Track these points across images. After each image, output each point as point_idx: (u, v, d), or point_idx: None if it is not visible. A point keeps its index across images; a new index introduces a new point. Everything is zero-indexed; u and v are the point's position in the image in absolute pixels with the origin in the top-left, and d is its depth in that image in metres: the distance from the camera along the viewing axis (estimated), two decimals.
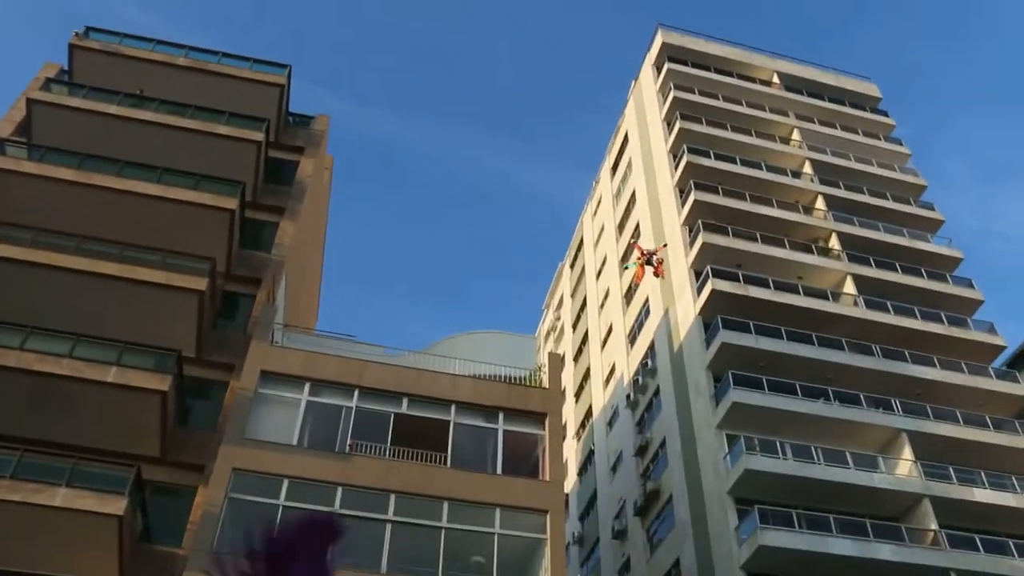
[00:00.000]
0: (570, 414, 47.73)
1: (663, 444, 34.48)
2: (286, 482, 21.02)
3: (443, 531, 21.09)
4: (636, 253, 30.19)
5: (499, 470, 22.85)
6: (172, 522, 21.16)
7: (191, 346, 23.49)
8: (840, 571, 26.77)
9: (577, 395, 48.32)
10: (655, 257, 29.65)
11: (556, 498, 22.40)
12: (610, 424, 41.30)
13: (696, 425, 31.74)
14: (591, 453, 43.25)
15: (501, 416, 23.89)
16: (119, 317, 22.49)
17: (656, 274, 30.60)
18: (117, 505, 19.04)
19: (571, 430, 47.37)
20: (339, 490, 21.13)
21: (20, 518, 18.39)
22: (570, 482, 44.11)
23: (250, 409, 22.29)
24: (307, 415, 22.83)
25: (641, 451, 36.17)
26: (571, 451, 45.70)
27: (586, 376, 47.09)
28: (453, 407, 23.67)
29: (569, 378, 48.42)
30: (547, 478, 22.95)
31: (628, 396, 38.84)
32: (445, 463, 22.56)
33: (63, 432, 20.82)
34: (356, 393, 23.27)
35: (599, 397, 43.87)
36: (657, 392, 36.15)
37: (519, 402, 24.23)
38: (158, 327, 22.67)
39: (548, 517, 21.85)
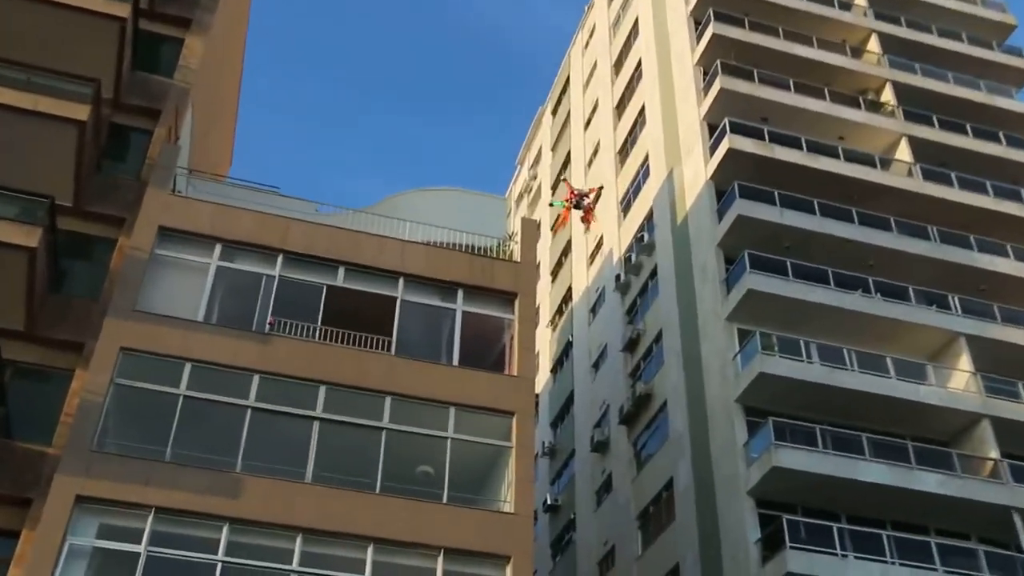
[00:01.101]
0: (544, 297, 47.85)
1: (658, 338, 34.68)
2: (188, 366, 20.81)
3: (383, 433, 21.15)
4: (565, 192, 30.17)
5: (455, 361, 22.85)
6: (40, 413, 20.87)
7: (68, 193, 22.78)
8: (872, 503, 27.28)
9: (554, 274, 48.35)
10: (587, 200, 29.62)
11: (525, 398, 22.46)
12: (593, 311, 41.45)
13: (701, 316, 31.83)
14: (568, 346, 43.56)
15: (460, 294, 23.76)
16: None
17: (584, 220, 30.70)
18: None
19: (545, 317, 47.56)
20: (255, 378, 21.01)
21: None
22: (542, 380, 44.53)
23: (144, 275, 21.90)
24: (216, 285, 22.52)
25: (631, 345, 36.40)
26: (544, 342, 46.00)
27: (566, 251, 46.97)
28: (401, 281, 23.48)
29: (545, 252, 48.31)
30: (515, 372, 23.04)
31: (618, 277, 38.83)
32: (388, 349, 22.50)
33: None
34: (279, 259, 22.95)
35: (581, 277, 43.87)
36: (654, 273, 36.12)
37: (483, 278, 24.06)
38: (25, 168, 21.89)
39: (514, 420, 21.95)
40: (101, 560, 18.88)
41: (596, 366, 39.61)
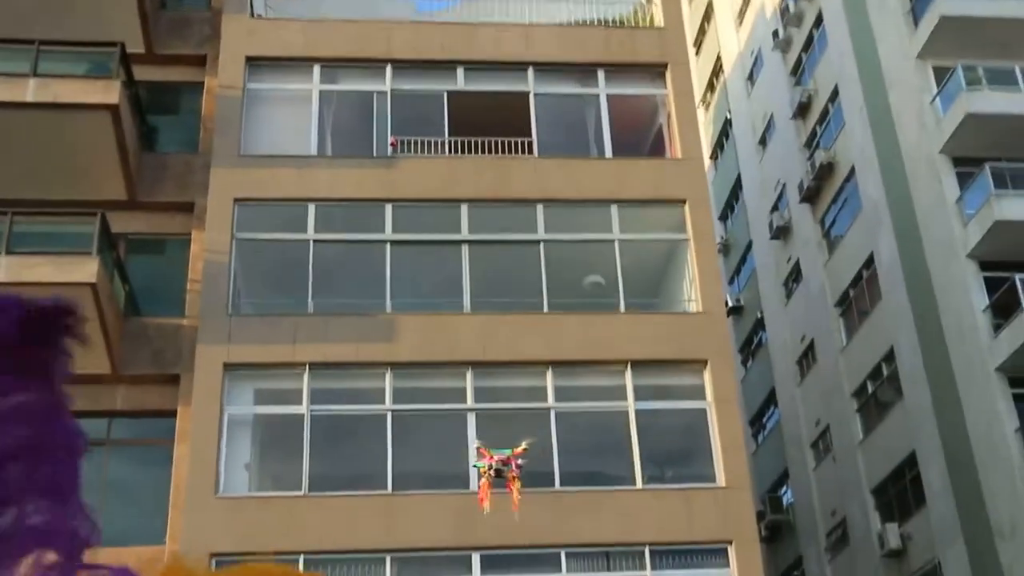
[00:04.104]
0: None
1: (834, 96, 34.09)
2: (312, 207, 21.51)
3: (540, 245, 21.62)
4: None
5: (608, 152, 23.02)
6: (165, 285, 22.00)
7: (136, 38, 23.28)
8: None
9: (697, 44, 47.54)
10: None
11: (694, 181, 22.69)
12: (751, 79, 40.86)
13: (884, 59, 31.08)
14: (727, 124, 43.22)
15: (601, 76, 23.74)
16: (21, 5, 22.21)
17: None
18: (85, 271, 19.71)
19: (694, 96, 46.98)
20: (388, 208, 21.62)
21: None
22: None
23: (241, 114, 22.48)
24: (324, 112, 23.02)
25: (802, 110, 35.91)
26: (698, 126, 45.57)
27: (707, 14, 46.08)
28: (530, 72, 23.55)
29: (684, 20, 47.36)
30: (677, 155, 23.13)
31: (775, 33, 38.02)
32: (530, 152, 22.79)
33: None
34: (388, 71, 23.17)
35: (731, 42, 43.13)
36: (819, 20, 35.26)
37: (624, 52, 23.92)
38: (83, 19, 22.34)
39: (686, 208, 22.20)
40: (267, 427, 20.17)
41: (763, 142, 39.25)
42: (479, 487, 17.74)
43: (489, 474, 17.68)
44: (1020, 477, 24.85)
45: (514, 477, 17.48)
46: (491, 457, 17.83)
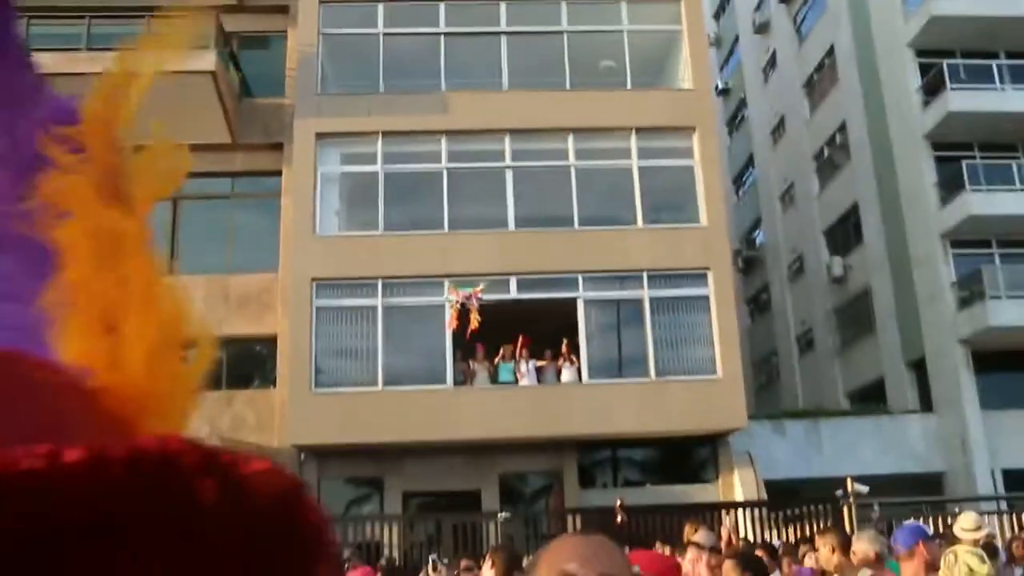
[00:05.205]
0: None
1: None
2: (380, 7, 20.50)
3: (565, 36, 20.66)
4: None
5: None
6: (269, 73, 21.40)
7: None
8: None
9: None
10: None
11: None
12: None
13: None
14: None
15: None
16: None
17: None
18: (205, 61, 19.05)
19: None
20: (441, 7, 20.59)
21: None
22: None
23: None
24: None
25: None
26: None
27: None
28: None
29: None
30: None
31: None
32: None
33: None
34: None
35: None
36: None
37: None
38: None
39: (682, 4, 21.07)
40: (351, 183, 19.85)
41: None
42: (449, 316, 18.16)
43: (456, 306, 18.11)
44: (933, 218, 24.43)
45: (473, 308, 17.95)
46: (458, 294, 18.22)
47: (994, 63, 24.98)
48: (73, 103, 1.07)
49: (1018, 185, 23.96)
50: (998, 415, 22.92)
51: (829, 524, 13.12)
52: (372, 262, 18.70)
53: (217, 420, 18.30)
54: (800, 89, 32.05)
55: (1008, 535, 13.37)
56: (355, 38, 20.66)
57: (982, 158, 24.68)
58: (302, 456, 18.41)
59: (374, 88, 20.07)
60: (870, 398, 26.68)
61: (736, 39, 37.98)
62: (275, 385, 19.43)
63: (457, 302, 18.04)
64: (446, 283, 18.79)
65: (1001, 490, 21.73)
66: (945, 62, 24.64)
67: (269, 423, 18.91)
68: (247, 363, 20.31)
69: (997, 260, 24.23)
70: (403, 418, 17.58)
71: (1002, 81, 24.67)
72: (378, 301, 18.72)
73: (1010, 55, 25.39)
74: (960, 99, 23.99)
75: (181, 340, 0.87)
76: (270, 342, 19.66)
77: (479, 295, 17.98)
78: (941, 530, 12.18)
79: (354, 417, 17.60)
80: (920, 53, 25.53)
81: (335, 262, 18.60)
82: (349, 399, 18.00)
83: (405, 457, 18.50)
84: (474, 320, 17.67)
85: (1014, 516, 16.16)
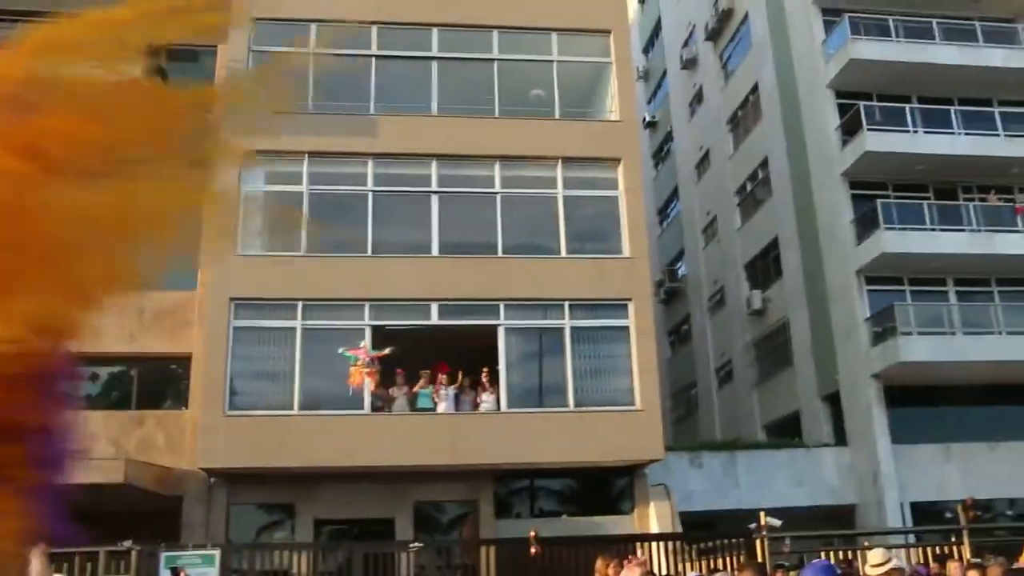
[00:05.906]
0: None
1: None
2: (313, 27, 20.37)
3: (495, 63, 20.81)
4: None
5: None
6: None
7: None
8: (942, 84, 26.17)
9: None
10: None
11: (617, 14, 21.63)
12: None
13: None
14: None
15: None
16: None
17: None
18: (131, 71, 18.71)
19: None
20: (373, 29, 20.58)
21: None
22: (632, 9, 42.68)
23: None
24: None
25: None
26: None
27: None
28: None
29: None
30: None
31: None
32: None
33: None
34: None
35: None
36: None
37: None
38: None
39: (611, 38, 21.34)
40: (274, 202, 19.65)
41: None
42: (350, 373, 17.89)
43: (359, 366, 17.89)
44: (850, 255, 25.05)
45: (374, 372, 17.95)
46: (366, 354, 18.03)
47: (907, 107, 25.95)
48: None
49: (928, 225, 24.88)
50: (908, 449, 23.55)
51: (743, 557, 13.36)
52: (293, 283, 18.47)
53: (124, 440, 17.89)
54: (725, 124, 32.75)
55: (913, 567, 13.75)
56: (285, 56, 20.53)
57: (896, 198, 25.47)
58: (211, 480, 18.07)
59: (302, 107, 19.94)
60: (787, 431, 27.20)
61: (664, 73, 38.71)
62: (187, 406, 19.04)
63: (361, 360, 17.86)
64: (367, 307, 18.71)
65: (909, 523, 22.39)
66: (862, 104, 25.42)
67: (179, 445, 18.47)
68: (159, 382, 19.88)
69: (909, 297, 25.01)
70: (318, 443, 17.38)
71: (915, 124, 25.45)
72: (297, 323, 18.55)
73: (922, 100, 26.44)
74: (876, 140, 24.66)
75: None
76: (185, 361, 19.22)
77: (368, 352, 17.95)
78: (851, 563, 12.50)
79: (268, 441, 17.34)
80: (839, 94, 26.21)
81: (255, 282, 18.30)
82: (263, 422, 17.75)
83: (319, 483, 18.23)
84: (373, 383, 17.87)
85: (921, 549, 16.63)
